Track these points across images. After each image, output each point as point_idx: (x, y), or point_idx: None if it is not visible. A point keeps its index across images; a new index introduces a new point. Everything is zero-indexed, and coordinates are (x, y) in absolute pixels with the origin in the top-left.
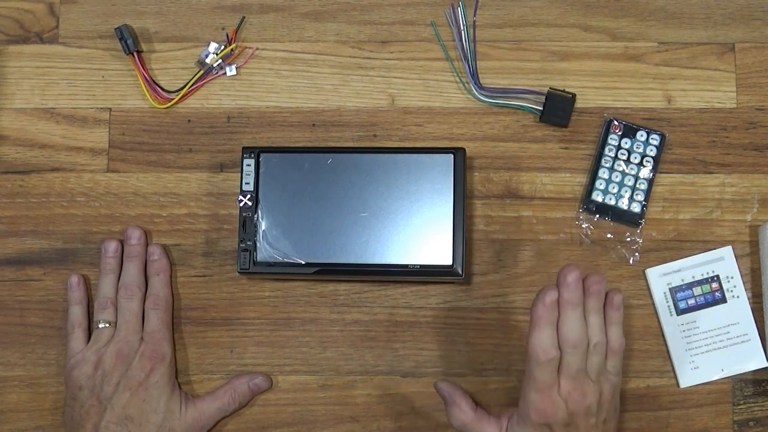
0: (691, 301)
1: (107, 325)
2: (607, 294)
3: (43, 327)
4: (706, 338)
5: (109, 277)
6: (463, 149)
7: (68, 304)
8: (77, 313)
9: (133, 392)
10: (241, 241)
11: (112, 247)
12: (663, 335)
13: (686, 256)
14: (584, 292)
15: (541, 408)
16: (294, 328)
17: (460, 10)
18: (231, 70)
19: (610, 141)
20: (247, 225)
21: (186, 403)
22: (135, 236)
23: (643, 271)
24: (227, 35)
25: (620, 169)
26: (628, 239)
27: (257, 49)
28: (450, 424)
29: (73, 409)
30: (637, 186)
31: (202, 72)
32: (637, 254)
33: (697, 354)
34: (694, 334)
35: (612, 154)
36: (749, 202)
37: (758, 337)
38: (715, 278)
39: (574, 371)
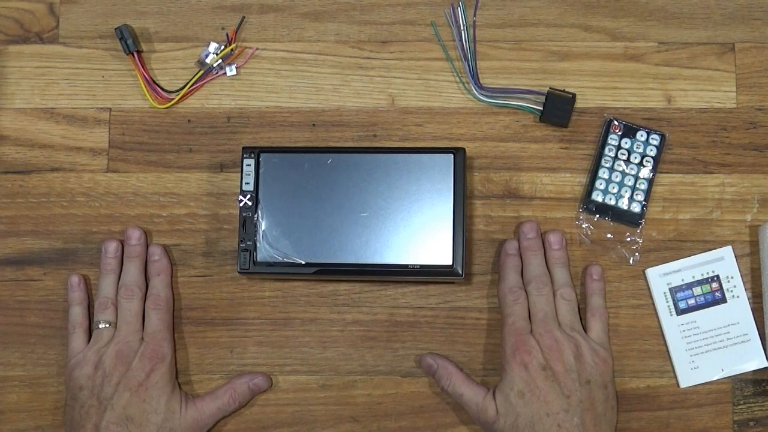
0: (691, 301)
1: (107, 325)
2: (585, 268)
3: (43, 327)
4: (706, 338)
5: (110, 277)
6: (463, 149)
7: (69, 304)
8: (78, 313)
9: (133, 392)
10: (241, 241)
11: (112, 247)
12: (663, 335)
13: (686, 256)
14: (546, 248)
15: (515, 346)
16: (294, 328)
17: (460, 10)
18: (231, 70)
19: (610, 141)
20: (247, 225)
21: (186, 403)
22: (135, 236)
23: (643, 271)
24: (227, 35)
25: (620, 169)
26: (628, 239)
27: (257, 49)
28: (441, 390)
29: (73, 409)
30: (637, 186)
31: (202, 72)
32: (637, 254)
33: (697, 354)
34: (694, 334)
35: (612, 154)
36: (749, 202)
37: (758, 337)
38: (715, 278)
39: (542, 313)
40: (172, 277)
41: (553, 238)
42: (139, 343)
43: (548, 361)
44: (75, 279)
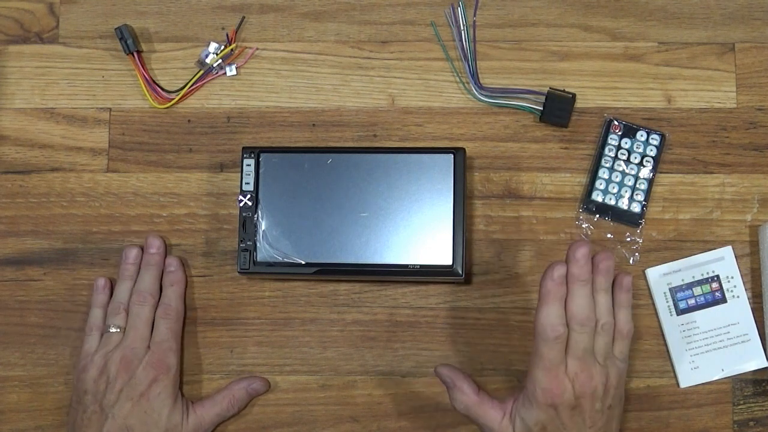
0: (691, 301)
1: (117, 329)
2: (616, 276)
3: (43, 327)
4: (706, 338)
5: (126, 283)
6: (463, 149)
7: (90, 306)
8: (97, 315)
9: (135, 403)
10: (241, 241)
11: (132, 253)
12: (663, 335)
13: (686, 256)
14: (593, 270)
15: (548, 387)
16: (294, 328)
17: (460, 10)
18: (231, 70)
19: (610, 141)
20: (247, 225)
21: (188, 413)
22: (155, 245)
23: (643, 271)
24: (227, 35)
25: (620, 169)
26: (628, 239)
27: (257, 49)
28: (453, 409)
29: (77, 412)
30: (637, 186)
31: (202, 72)
32: (637, 254)
33: (697, 354)
34: (694, 334)
35: (612, 154)
36: (749, 202)
37: (758, 337)
38: (715, 278)
39: (581, 351)
40: (186, 289)
41: (603, 266)
42: (146, 351)
43: (579, 398)
44: (101, 282)
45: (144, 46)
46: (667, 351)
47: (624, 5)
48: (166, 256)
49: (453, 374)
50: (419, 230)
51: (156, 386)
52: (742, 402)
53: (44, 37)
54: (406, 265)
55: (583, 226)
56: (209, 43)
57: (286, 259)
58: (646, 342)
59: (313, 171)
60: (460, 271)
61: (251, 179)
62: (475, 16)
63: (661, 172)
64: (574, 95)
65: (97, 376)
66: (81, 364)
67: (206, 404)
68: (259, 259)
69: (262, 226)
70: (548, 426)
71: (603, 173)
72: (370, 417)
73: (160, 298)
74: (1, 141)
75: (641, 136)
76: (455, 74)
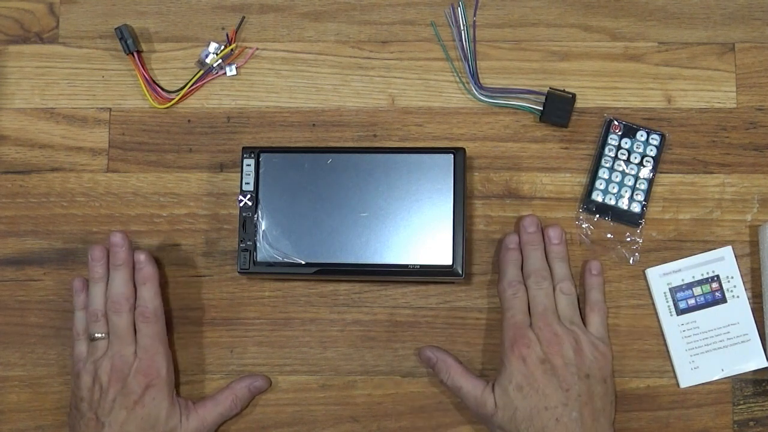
0: (691, 301)
1: (102, 335)
2: (585, 263)
3: (43, 327)
4: (706, 338)
5: (98, 286)
6: (463, 149)
7: (74, 309)
8: (81, 318)
9: (130, 411)
10: (241, 241)
11: (97, 252)
12: (663, 335)
13: (686, 256)
14: (546, 243)
15: (514, 338)
16: (294, 328)
17: (460, 10)
18: (231, 70)
19: (610, 141)
20: (247, 225)
21: (187, 414)
22: (118, 243)
23: (643, 271)
24: (227, 35)
25: (620, 169)
26: (628, 239)
27: (257, 49)
28: (441, 383)
29: (75, 419)
30: (637, 186)
31: (202, 72)
32: (637, 254)
33: (697, 354)
34: (694, 334)
35: (612, 154)
36: (749, 202)
37: (758, 337)
38: (715, 278)
39: (542, 307)
40: (160, 283)
41: (553, 233)
42: (134, 357)
43: (547, 354)
44: (78, 283)
45: (144, 46)
46: (667, 351)
47: (624, 5)
48: (134, 251)
49: (438, 351)
50: (419, 230)
51: (150, 392)
52: (742, 402)
53: (44, 37)
54: (406, 265)
55: (583, 226)
56: (209, 43)
57: (286, 259)
58: (646, 342)
59: (313, 171)
60: (460, 271)
61: (251, 179)
62: (475, 16)
63: (661, 172)
64: (574, 95)
65: (90, 384)
66: (75, 370)
67: (208, 404)
68: (259, 259)
69: (262, 226)
70: (524, 385)
71: (603, 173)
72: (370, 417)
73: (136, 297)
74: (1, 141)
75: (641, 136)
76: (455, 74)
